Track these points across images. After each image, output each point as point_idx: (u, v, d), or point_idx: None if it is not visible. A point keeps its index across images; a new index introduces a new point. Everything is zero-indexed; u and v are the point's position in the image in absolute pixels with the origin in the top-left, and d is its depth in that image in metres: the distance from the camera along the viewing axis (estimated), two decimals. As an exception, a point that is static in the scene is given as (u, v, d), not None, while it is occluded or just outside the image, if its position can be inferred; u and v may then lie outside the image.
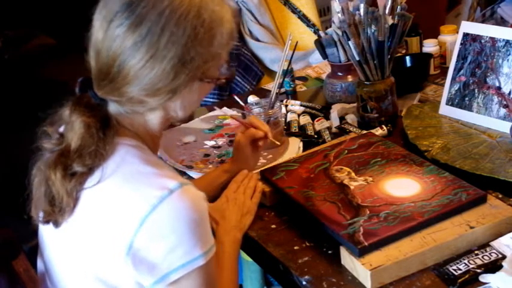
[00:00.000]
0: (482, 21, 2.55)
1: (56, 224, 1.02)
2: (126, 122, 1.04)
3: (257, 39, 2.25)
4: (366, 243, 1.11)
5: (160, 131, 1.08)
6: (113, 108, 1.03)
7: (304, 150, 1.57)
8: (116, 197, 0.98)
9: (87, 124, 0.99)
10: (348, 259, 1.12)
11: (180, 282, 0.96)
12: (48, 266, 1.09)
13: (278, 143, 1.48)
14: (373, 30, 1.56)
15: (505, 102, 1.50)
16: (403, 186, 1.27)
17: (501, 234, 1.13)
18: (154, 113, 1.03)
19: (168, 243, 0.95)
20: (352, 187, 1.29)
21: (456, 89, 1.61)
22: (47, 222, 1.03)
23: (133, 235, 0.94)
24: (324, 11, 2.90)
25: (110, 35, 0.97)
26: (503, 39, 1.52)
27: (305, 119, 1.71)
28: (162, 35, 0.95)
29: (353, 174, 1.34)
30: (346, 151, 1.43)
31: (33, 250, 1.14)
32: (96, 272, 1.00)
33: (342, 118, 1.70)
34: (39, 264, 1.13)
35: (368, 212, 1.19)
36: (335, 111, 1.71)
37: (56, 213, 1.00)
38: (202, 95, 1.07)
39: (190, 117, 1.86)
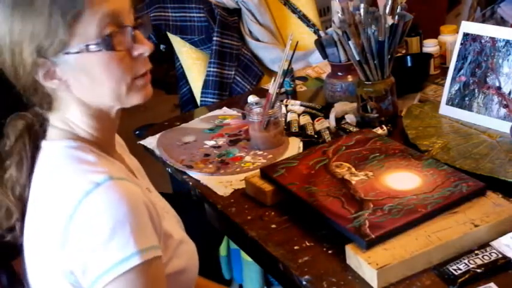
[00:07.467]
0: (482, 21, 2.55)
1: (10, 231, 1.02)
2: (58, 123, 1.02)
3: (257, 39, 2.25)
4: (373, 236, 1.11)
5: (101, 124, 1.03)
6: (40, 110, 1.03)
7: (304, 150, 1.57)
8: (46, 200, 0.97)
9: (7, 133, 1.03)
10: (353, 258, 1.12)
11: (113, 286, 0.90)
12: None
13: None
14: (373, 30, 1.56)
15: (505, 102, 1.50)
16: (403, 180, 1.28)
17: (505, 232, 1.14)
18: (69, 104, 1.00)
19: (98, 239, 0.90)
20: (353, 182, 1.29)
21: (456, 89, 1.61)
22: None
23: (64, 235, 0.92)
24: (324, 11, 2.90)
25: None
26: (503, 39, 1.52)
27: (305, 119, 1.71)
28: None
29: (353, 169, 1.34)
30: (344, 147, 1.44)
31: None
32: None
33: (339, 119, 1.70)
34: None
35: (372, 206, 1.20)
36: (334, 111, 1.70)
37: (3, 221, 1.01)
38: (104, 67, 0.97)
39: (190, 117, 1.86)
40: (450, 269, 1.07)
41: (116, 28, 0.96)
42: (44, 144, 1.02)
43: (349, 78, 1.78)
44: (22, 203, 1.01)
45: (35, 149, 1.02)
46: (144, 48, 0.99)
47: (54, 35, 0.93)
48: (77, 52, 0.95)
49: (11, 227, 1.02)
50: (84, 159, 0.98)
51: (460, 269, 1.07)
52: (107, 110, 1.03)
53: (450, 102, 1.61)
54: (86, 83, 0.98)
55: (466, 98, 1.58)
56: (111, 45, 0.95)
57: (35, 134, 1.03)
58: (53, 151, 1.01)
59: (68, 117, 1.02)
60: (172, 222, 1.13)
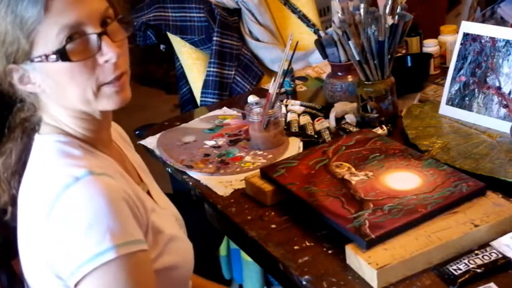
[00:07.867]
0: (482, 21, 2.55)
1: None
2: (49, 120, 1.03)
3: (257, 39, 2.25)
4: (373, 236, 1.11)
5: (87, 124, 1.03)
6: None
7: (304, 150, 1.57)
8: (32, 192, 0.98)
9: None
10: (353, 258, 1.12)
11: (90, 280, 0.90)
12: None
13: None
14: (373, 30, 1.56)
15: (505, 102, 1.50)
16: (403, 180, 1.28)
17: (505, 232, 1.14)
18: (51, 106, 1.01)
19: (75, 233, 0.90)
20: (353, 182, 1.29)
21: (456, 89, 1.61)
22: None
23: (46, 226, 0.93)
24: (324, 11, 2.90)
25: None
26: (503, 39, 1.52)
27: (305, 119, 1.71)
28: None
29: (353, 169, 1.34)
30: (344, 147, 1.44)
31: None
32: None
33: (339, 119, 1.70)
34: None
35: (372, 206, 1.20)
36: (334, 111, 1.70)
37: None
38: (68, 76, 0.96)
39: (190, 117, 1.86)
40: (450, 269, 1.07)
41: (77, 38, 0.94)
42: (36, 137, 1.03)
43: (349, 78, 1.78)
44: (10, 188, 1.04)
45: (28, 140, 1.03)
46: (110, 55, 0.96)
47: (17, 43, 0.94)
48: (40, 61, 0.95)
49: (3, 208, 1.05)
50: (69, 154, 0.99)
51: (460, 269, 1.07)
52: (90, 112, 1.02)
53: (450, 102, 1.61)
54: (55, 88, 0.98)
55: (466, 98, 1.58)
56: (67, 57, 0.94)
57: (29, 127, 1.04)
58: (43, 144, 1.02)
59: (56, 115, 1.03)
60: (166, 219, 1.12)
